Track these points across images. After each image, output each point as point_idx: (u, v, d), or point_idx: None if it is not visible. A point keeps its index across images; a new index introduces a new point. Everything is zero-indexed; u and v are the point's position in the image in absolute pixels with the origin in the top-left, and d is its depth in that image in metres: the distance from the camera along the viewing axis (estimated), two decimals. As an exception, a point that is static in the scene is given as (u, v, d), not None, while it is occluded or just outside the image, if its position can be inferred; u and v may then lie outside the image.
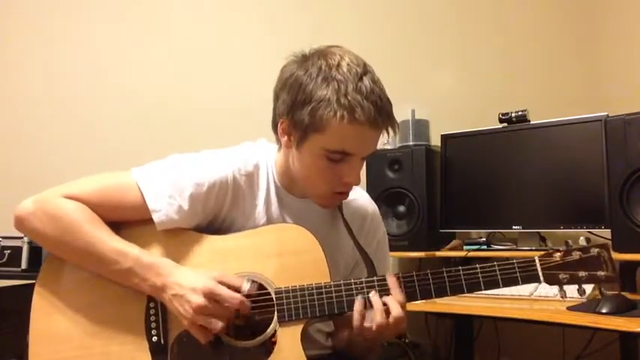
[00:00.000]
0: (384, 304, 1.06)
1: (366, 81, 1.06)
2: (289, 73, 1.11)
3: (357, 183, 1.13)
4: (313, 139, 1.08)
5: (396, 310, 1.05)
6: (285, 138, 1.14)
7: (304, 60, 1.11)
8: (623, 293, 1.51)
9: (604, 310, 1.41)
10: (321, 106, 1.04)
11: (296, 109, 1.08)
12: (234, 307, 1.06)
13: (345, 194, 1.17)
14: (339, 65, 1.06)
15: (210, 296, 1.04)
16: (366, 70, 1.08)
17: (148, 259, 1.09)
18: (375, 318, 1.05)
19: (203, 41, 2.39)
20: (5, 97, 2.22)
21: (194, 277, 1.07)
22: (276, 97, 1.15)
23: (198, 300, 1.04)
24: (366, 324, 1.06)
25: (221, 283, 1.07)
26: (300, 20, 2.44)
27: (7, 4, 2.26)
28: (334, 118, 1.04)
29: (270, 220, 1.19)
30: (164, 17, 2.38)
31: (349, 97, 1.03)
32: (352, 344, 1.20)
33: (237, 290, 1.07)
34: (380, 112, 1.06)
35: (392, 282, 1.08)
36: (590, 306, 1.44)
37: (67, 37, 2.28)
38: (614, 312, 1.40)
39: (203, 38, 2.39)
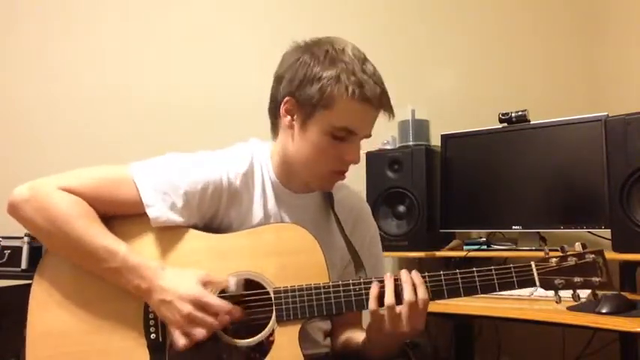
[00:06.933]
0: (413, 285, 1.06)
1: (369, 65, 1.13)
2: (295, 56, 1.14)
3: (358, 161, 1.15)
4: (320, 116, 1.10)
5: (422, 290, 1.05)
6: (288, 118, 1.15)
7: (309, 46, 1.15)
8: (623, 293, 1.51)
9: (604, 310, 1.41)
10: (330, 84, 1.09)
11: (303, 87, 1.11)
12: (223, 316, 1.05)
13: (344, 174, 1.18)
14: (344, 50, 1.12)
15: (197, 304, 1.04)
16: (366, 57, 1.15)
17: (134, 259, 1.08)
18: (404, 294, 1.04)
19: (202, 41, 2.38)
20: (4, 96, 2.22)
21: (180, 282, 1.06)
22: (279, 80, 1.17)
23: (187, 308, 1.04)
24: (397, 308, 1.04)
25: (206, 283, 1.07)
26: (300, 20, 2.44)
27: (7, 3, 2.26)
28: (344, 93, 1.08)
29: (267, 216, 1.19)
30: (164, 17, 2.37)
31: (357, 76, 1.09)
32: (370, 346, 1.15)
33: (224, 290, 1.08)
34: (383, 93, 1.12)
35: (406, 278, 1.07)
36: (590, 306, 1.44)
37: (67, 36, 2.28)
38: (614, 312, 1.40)
39: (202, 38, 2.39)
